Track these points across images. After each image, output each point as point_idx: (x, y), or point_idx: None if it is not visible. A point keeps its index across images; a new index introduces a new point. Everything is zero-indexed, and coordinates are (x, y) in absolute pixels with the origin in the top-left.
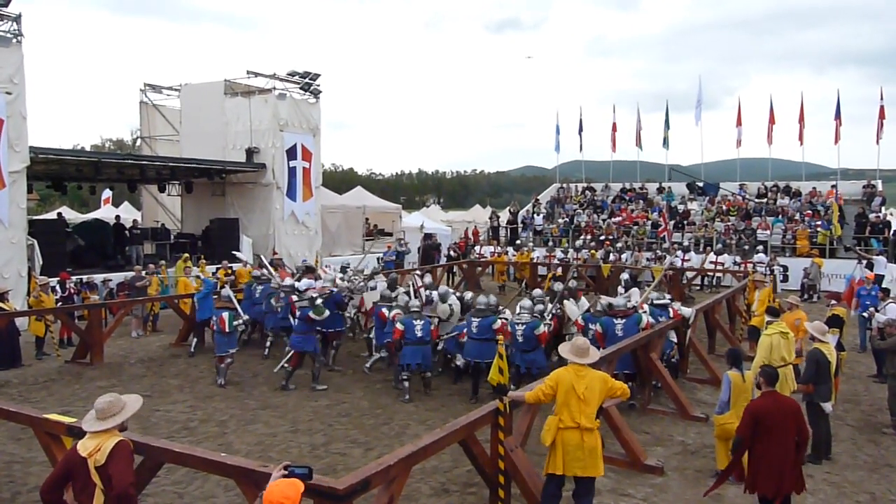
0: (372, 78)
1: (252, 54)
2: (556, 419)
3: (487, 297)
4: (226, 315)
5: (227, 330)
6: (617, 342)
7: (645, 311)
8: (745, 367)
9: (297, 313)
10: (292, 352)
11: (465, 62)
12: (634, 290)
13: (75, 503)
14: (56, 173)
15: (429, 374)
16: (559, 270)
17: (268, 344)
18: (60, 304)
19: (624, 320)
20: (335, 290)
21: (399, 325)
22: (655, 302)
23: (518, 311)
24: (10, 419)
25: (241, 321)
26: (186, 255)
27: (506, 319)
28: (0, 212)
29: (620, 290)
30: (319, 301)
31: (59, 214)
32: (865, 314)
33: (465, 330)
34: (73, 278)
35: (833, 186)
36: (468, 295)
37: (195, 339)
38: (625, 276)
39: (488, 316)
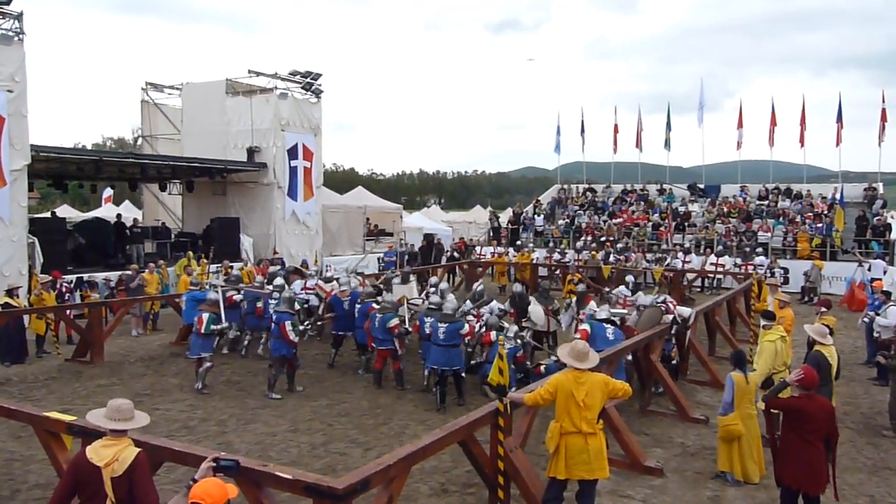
0: (373, 78)
1: (254, 54)
2: (558, 425)
3: (458, 300)
4: (205, 317)
5: (203, 331)
6: (607, 346)
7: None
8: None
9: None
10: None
11: (466, 63)
12: (621, 287)
13: None
14: (57, 171)
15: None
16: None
17: (245, 343)
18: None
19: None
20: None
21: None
22: (657, 301)
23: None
24: (10, 417)
25: (221, 326)
26: (190, 253)
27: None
28: (1, 210)
29: (617, 292)
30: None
31: (53, 213)
32: (866, 319)
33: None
34: (68, 277)
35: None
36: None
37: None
38: (581, 287)
39: (457, 321)
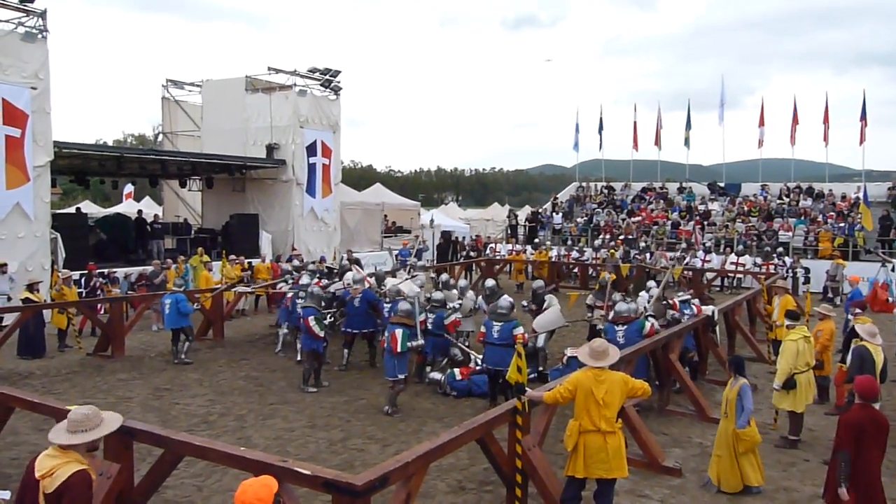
0: (391, 75)
1: (272, 51)
2: (577, 424)
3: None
4: (399, 333)
5: (398, 350)
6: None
7: (650, 317)
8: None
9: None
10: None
11: (483, 60)
12: (643, 293)
13: None
14: (79, 168)
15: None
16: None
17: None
18: (85, 294)
19: (626, 326)
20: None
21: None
22: (679, 299)
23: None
24: (33, 410)
25: (417, 343)
26: (200, 249)
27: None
28: (25, 206)
29: (644, 293)
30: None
31: (78, 209)
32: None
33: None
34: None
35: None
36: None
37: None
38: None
39: (511, 320)
